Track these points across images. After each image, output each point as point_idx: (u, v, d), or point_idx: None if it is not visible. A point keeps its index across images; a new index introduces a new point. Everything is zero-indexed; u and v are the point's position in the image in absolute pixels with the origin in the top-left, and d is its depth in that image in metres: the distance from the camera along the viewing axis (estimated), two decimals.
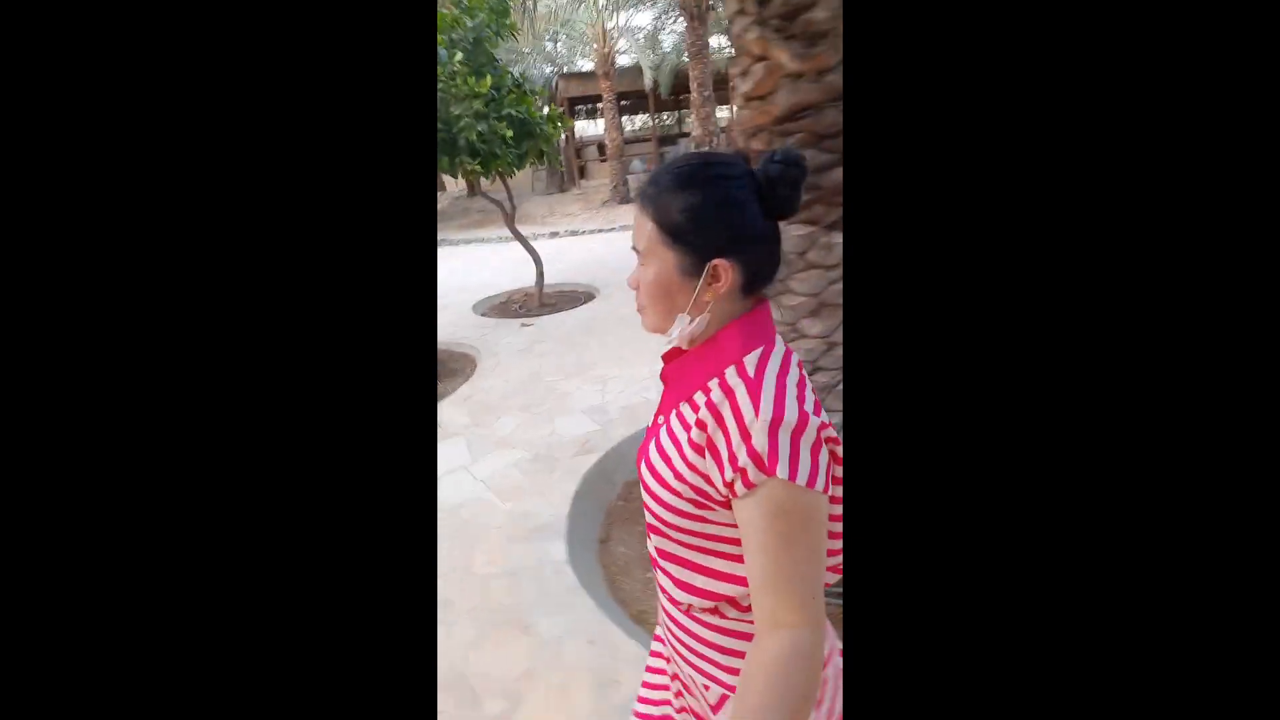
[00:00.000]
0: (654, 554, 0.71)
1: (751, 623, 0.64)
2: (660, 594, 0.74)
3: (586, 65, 13.89)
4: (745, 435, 0.58)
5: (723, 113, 12.91)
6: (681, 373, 0.67)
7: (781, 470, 0.57)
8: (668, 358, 0.71)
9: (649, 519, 0.69)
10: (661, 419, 0.69)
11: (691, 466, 0.62)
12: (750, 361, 0.63)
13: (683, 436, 0.63)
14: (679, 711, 0.78)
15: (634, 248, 0.66)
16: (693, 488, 0.63)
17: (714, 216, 0.62)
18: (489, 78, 4.28)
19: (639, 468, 0.70)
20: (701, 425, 0.62)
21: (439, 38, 4.18)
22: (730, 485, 0.59)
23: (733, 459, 0.59)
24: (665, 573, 0.70)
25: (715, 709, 0.71)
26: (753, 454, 0.58)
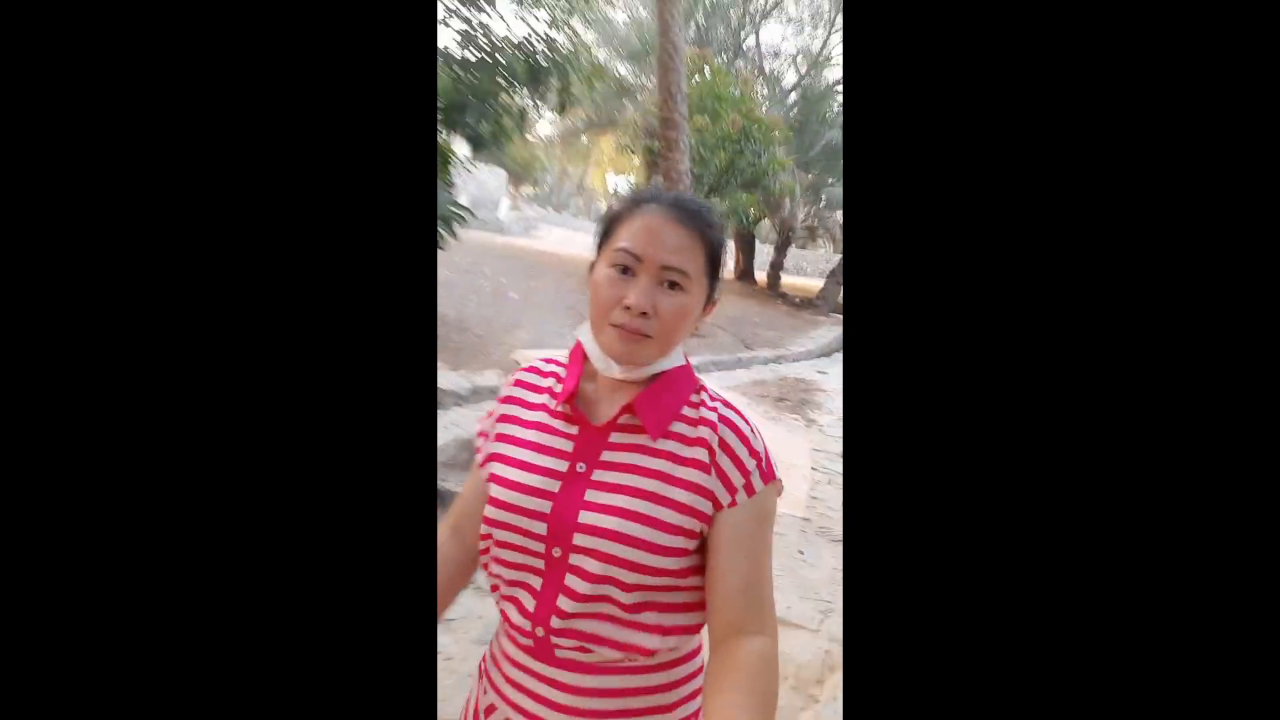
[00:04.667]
0: (603, 613, 0.61)
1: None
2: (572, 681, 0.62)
3: None
4: (745, 440, 0.62)
5: None
6: (654, 406, 0.63)
7: (777, 473, 0.62)
8: (598, 394, 0.66)
9: (616, 575, 0.59)
10: (583, 465, 0.63)
11: (698, 489, 0.61)
12: (709, 386, 0.67)
13: (677, 470, 0.61)
14: None
15: (674, 267, 0.60)
16: (698, 515, 0.60)
17: (724, 258, 0.65)
18: None
19: (570, 524, 0.61)
20: (704, 443, 0.62)
21: None
22: (735, 493, 0.60)
23: (741, 466, 0.61)
24: (636, 625, 0.61)
25: None
26: (756, 454, 0.62)
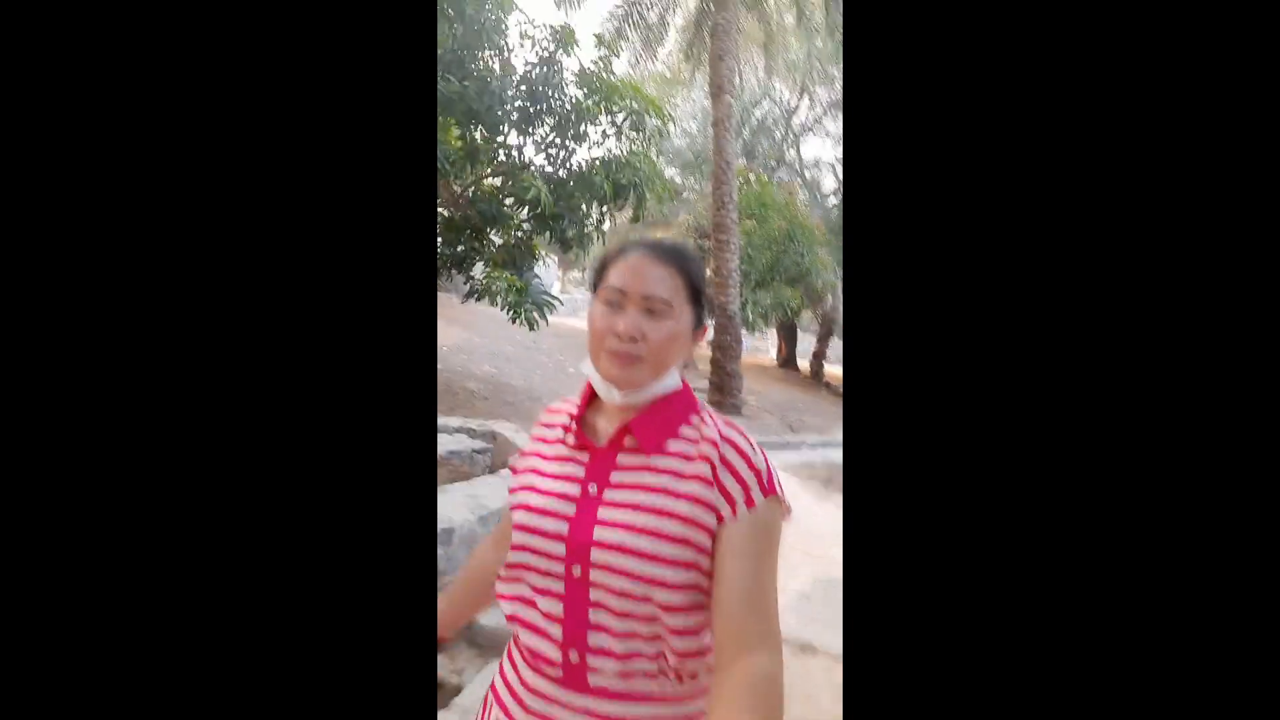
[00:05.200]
0: (633, 632, 0.63)
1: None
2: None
3: None
4: (744, 456, 0.65)
5: None
6: (649, 425, 0.68)
7: (777, 487, 0.65)
8: (593, 421, 0.72)
9: (634, 590, 0.62)
10: (594, 487, 0.67)
11: (699, 501, 0.63)
12: (706, 406, 0.71)
13: (679, 484, 0.64)
14: None
15: (655, 297, 0.67)
16: (701, 527, 0.63)
17: (705, 288, 0.73)
18: None
19: (586, 541, 0.64)
20: (705, 459, 0.65)
21: None
22: (734, 505, 0.63)
23: (740, 479, 0.64)
24: (670, 649, 0.64)
25: None
26: (755, 470, 0.64)
